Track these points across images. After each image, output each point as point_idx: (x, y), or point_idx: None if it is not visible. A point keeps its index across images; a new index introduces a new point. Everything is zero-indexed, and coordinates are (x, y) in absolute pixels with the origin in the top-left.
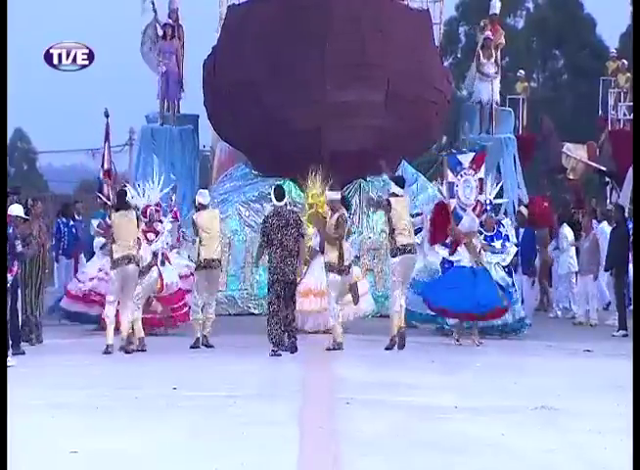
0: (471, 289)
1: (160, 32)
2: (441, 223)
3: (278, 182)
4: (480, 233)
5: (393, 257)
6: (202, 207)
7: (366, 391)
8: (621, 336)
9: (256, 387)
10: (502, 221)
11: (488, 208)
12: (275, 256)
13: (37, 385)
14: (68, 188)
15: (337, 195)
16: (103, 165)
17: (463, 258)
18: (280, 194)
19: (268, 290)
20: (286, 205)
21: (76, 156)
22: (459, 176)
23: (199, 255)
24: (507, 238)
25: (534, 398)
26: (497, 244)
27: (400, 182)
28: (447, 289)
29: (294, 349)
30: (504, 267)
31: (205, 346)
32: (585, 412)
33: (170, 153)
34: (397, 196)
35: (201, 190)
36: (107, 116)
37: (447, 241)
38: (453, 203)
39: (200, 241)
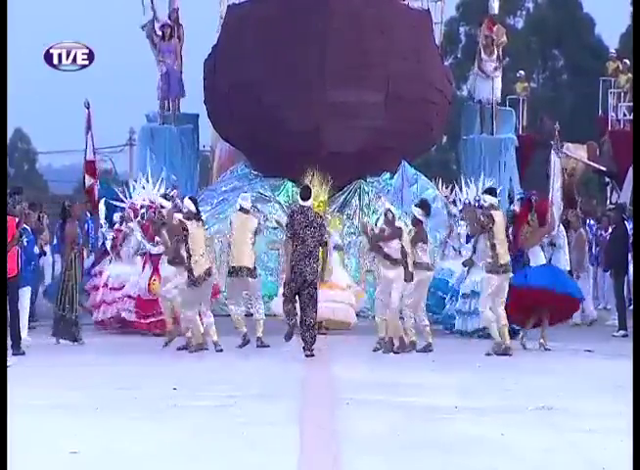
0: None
1: (159, 33)
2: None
3: (295, 183)
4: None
5: (495, 273)
6: (242, 210)
7: (366, 391)
8: (621, 336)
9: (256, 387)
10: None
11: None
12: (295, 253)
13: (38, 385)
14: (67, 188)
15: (421, 212)
16: (85, 157)
17: (538, 258)
18: (306, 194)
19: (284, 287)
20: (310, 207)
21: (76, 156)
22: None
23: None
24: None
25: (534, 398)
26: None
27: (494, 192)
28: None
29: (310, 354)
30: None
31: (261, 346)
32: (585, 412)
33: (170, 152)
34: (495, 208)
35: (243, 194)
36: (87, 107)
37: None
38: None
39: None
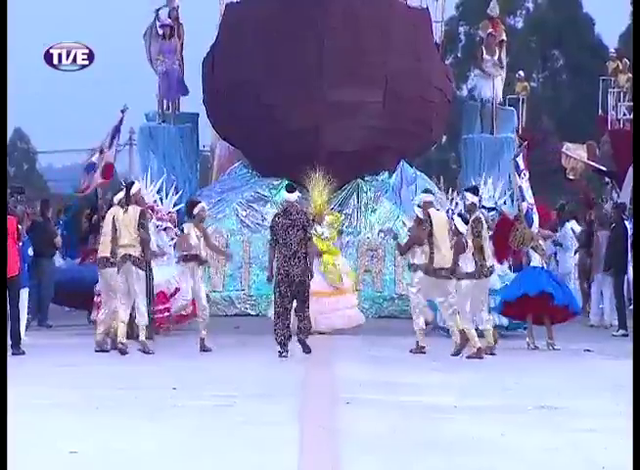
0: (551, 281)
1: (160, 32)
2: (503, 240)
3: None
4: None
5: (485, 276)
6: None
7: (366, 390)
8: (621, 335)
9: (256, 387)
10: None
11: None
12: (280, 256)
13: (37, 384)
14: (67, 188)
15: (430, 196)
16: (103, 157)
17: (533, 261)
18: (291, 188)
19: (274, 290)
20: (295, 202)
21: (76, 156)
22: (521, 178)
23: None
24: None
25: (534, 397)
26: None
27: (476, 191)
28: (523, 279)
29: (307, 350)
30: None
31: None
32: (585, 412)
33: (169, 152)
34: (476, 208)
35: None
36: (123, 111)
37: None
38: (524, 205)
39: None
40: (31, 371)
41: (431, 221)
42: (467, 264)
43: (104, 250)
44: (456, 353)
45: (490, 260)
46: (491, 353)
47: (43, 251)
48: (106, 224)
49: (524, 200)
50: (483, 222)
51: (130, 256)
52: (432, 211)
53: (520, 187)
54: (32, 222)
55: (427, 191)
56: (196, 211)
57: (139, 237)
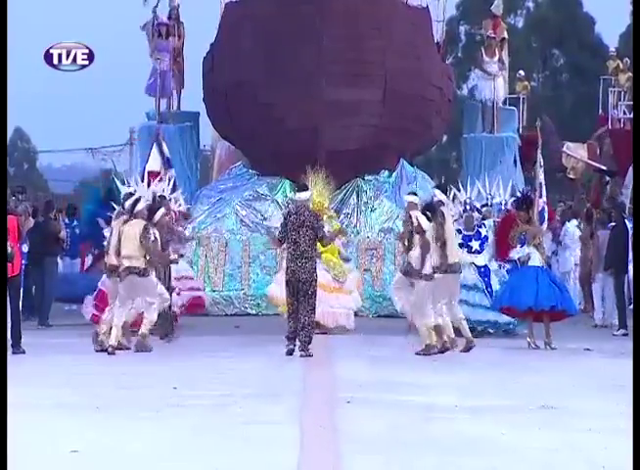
0: (545, 286)
1: (157, 29)
2: (505, 238)
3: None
4: (459, 232)
5: (453, 272)
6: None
7: (366, 390)
8: (621, 335)
9: (256, 387)
10: (484, 222)
11: (468, 207)
12: (288, 255)
13: (37, 384)
14: (68, 188)
15: (414, 198)
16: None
17: (533, 259)
18: (303, 187)
19: (285, 289)
20: (307, 201)
21: (76, 155)
22: (541, 175)
23: None
24: (486, 239)
25: (535, 397)
26: (475, 244)
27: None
28: (516, 287)
29: (306, 354)
30: (478, 268)
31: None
32: (585, 412)
33: (169, 151)
34: (444, 205)
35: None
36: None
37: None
38: (540, 202)
39: None
40: (31, 371)
41: (412, 222)
42: (432, 259)
43: (111, 259)
44: (465, 350)
45: (454, 258)
46: (469, 348)
47: (46, 250)
48: (113, 235)
49: (541, 196)
50: (447, 216)
51: (134, 268)
52: (414, 213)
53: (540, 184)
54: (34, 222)
55: (412, 193)
56: (157, 217)
57: (143, 248)
